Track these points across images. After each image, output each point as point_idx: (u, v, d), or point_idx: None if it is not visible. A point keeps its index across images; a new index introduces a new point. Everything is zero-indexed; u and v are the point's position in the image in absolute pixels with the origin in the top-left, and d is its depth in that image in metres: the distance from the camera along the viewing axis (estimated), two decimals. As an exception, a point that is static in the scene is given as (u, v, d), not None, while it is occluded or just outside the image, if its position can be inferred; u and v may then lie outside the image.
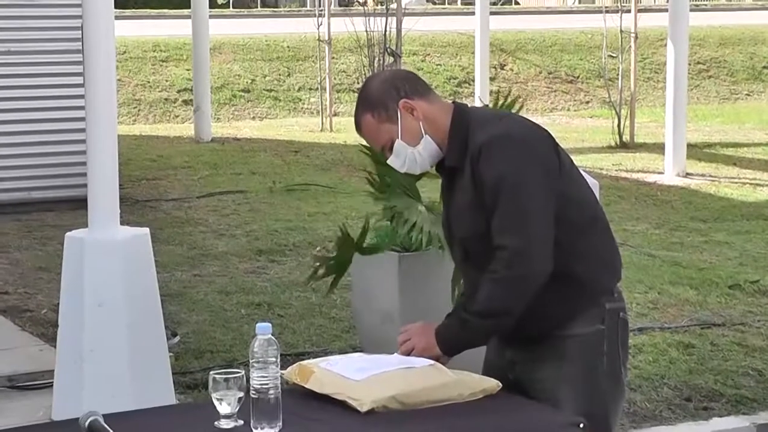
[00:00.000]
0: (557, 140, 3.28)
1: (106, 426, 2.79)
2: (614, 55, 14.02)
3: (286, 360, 4.36)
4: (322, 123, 14.92)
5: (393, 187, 5.08)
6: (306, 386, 3.06)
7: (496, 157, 3.11)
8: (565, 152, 3.26)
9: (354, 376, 3.02)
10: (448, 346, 3.19)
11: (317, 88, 15.87)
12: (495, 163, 3.10)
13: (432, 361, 3.15)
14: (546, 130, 3.25)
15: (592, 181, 5.46)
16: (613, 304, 3.22)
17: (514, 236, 3.07)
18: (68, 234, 4.85)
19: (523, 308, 3.10)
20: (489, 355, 3.37)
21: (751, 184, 11.04)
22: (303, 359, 3.26)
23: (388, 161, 3.30)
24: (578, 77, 18.32)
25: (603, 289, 3.21)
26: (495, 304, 3.12)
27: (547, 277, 3.09)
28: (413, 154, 3.24)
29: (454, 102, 3.30)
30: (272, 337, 2.85)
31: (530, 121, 3.31)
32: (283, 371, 2.95)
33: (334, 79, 15.72)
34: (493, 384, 3.09)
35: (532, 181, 3.09)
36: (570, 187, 3.20)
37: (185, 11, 16.70)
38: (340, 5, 17.43)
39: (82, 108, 5.19)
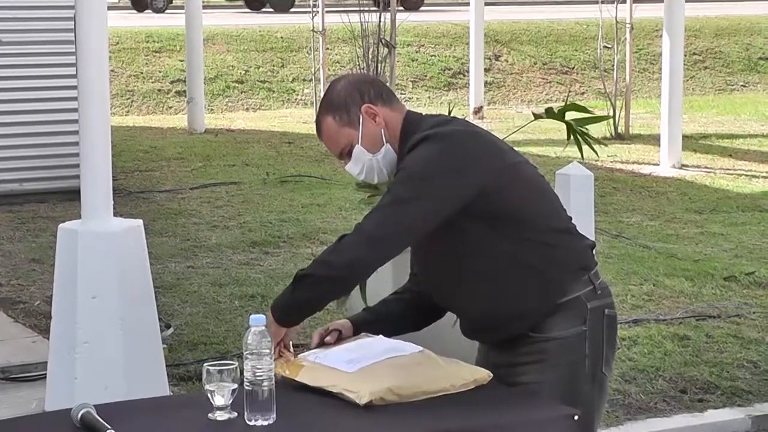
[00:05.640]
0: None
1: (98, 417, 2.78)
2: (609, 45, 13.99)
3: (280, 352, 4.33)
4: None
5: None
6: (297, 379, 3.04)
7: (417, 151, 3.06)
8: (519, 156, 3.17)
9: (346, 368, 3.00)
10: (280, 310, 3.10)
11: (311, 79, 15.84)
12: (412, 154, 3.07)
13: (419, 348, 3.11)
14: (491, 135, 3.18)
15: (585, 173, 5.46)
16: (596, 303, 3.13)
17: (375, 220, 3.03)
18: (61, 225, 4.82)
19: (343, 278, 3.06)
20: (477, 357, 3.32)
21: (746, 175, 11.02)
22: (297, 351, 3.24)
23: (347, 167, 3.23)
24: (573, 68, 18.29)
25: (573, 284, 3.10)
26: (320, 257, 3.08)
27: (370, 271, 3.07)
28: (372, 161, 3.18)
29: (407, 111, 3.22)
30: (266, 329, 2.84)
31: (474, 126, 3.23)
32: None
33: (328, 70, 15.66)
34: (484, 374, 3.07)
35: (429, 180, 3.02)
36: (517, 184, 3.10)
37: (178, 2, 16.66)
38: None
39: (74, 99, 5.16)
